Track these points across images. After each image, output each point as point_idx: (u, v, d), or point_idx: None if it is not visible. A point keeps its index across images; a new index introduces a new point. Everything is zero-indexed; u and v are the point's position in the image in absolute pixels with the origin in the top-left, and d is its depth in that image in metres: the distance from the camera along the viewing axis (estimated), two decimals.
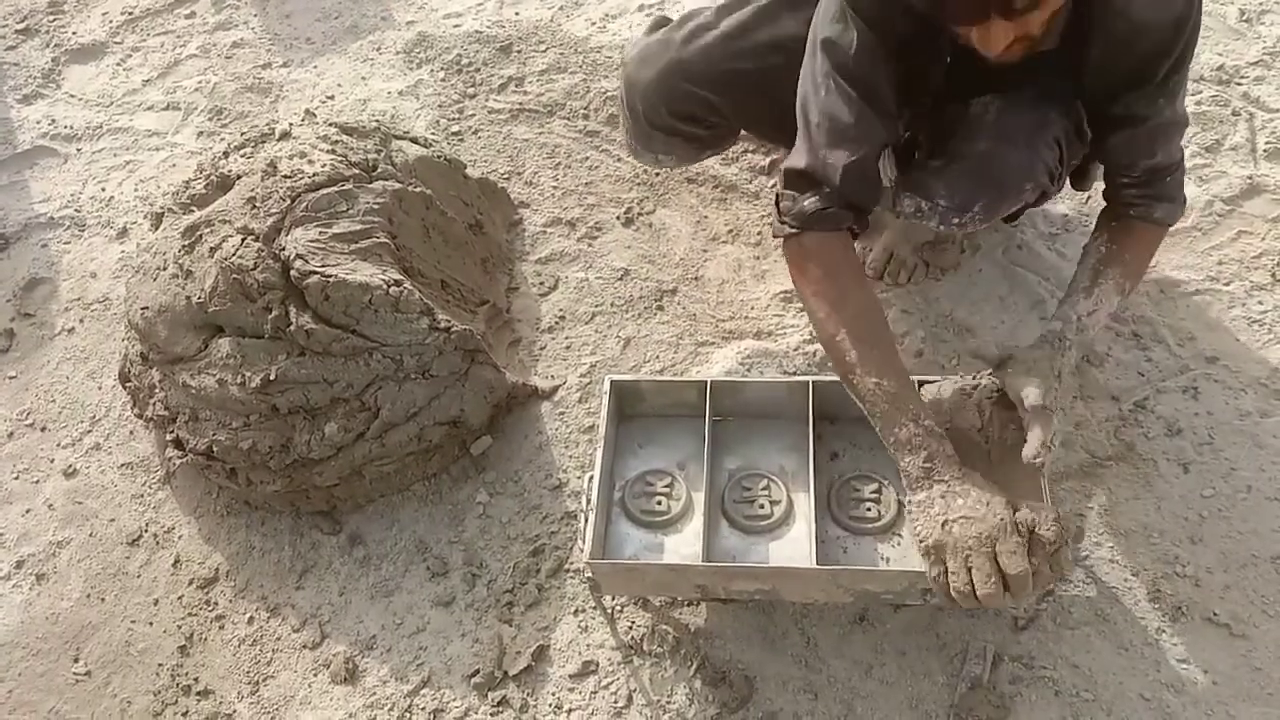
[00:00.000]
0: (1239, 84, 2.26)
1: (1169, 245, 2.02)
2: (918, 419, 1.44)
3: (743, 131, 2.00)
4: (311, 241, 1.79)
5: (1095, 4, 1.41)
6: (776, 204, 1.57)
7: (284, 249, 1.78)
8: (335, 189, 1.87)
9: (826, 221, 1.52)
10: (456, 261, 2.02)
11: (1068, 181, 1.72)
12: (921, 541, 1.39)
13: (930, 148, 1.63)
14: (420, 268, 1.92)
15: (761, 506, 1.61)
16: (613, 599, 1.68)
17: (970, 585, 1.34)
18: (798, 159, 1.53)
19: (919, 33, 1.45)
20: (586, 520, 1.55)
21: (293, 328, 1.75)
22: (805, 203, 1.52)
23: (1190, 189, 2.07)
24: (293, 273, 1.76)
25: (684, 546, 1.60)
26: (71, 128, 2.70)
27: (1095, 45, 1.44)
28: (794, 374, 1.89)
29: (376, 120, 2.30)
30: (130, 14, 2.99)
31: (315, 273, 1.76)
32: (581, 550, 1.54)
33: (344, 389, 1.77)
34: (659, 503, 1.63)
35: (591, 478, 1.58)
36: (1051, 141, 1.54)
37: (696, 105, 1.80)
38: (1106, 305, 1.56)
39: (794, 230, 1.54)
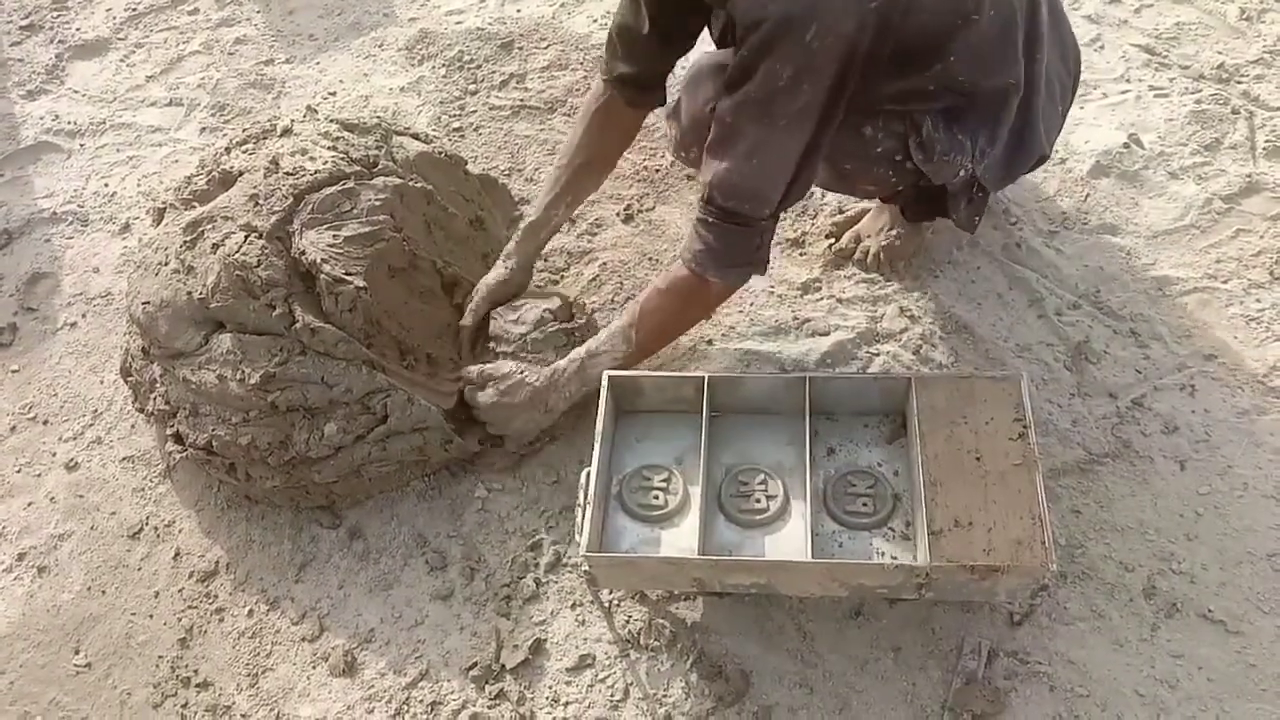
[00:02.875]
0: (1239, 82, 2.26)
1: (1167, 242, 2.02)
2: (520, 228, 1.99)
3: None
4: (329, 246, 1.80)
5: None
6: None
7: (304, 253, 1.79)
8: (337, 187, 1.88)
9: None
10: (459, 256, 2.03)
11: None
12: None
13: None
14: (423, 266, 1.93)
15: (758, 501, 1.62)
16: (610, 593, 1.69)
17: None
18: None
19: None
20: (584, 514, 1.55)
21: (297, 326, 1.76)
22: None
23: (1189, 187, 2.09)
24: (324, 277, 1.78)
25: (680, 541, 1.60)
26: (75, 123, 2.71)
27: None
28: (790, 370, 1.90)
29: (378, 116, 2.31)
30: (134, 10, 3.00)
31: (341, 280, 1.79)
32: (579, 544, 1.55)
33: (343, 393, 1.77)
34: (656, 497, 1.64)
35: (589, 472, 1.59)
36: (713, 95, 1.64)
37: None
38: (611, 351, 1.74)
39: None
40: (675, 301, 1.72)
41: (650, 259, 2.15)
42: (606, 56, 1.85)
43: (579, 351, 1.78)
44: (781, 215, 1.64)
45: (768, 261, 1.67)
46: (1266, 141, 2.15)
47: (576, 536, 1.62)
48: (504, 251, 1.98)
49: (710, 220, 1.60)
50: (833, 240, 2.10)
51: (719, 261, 1.63)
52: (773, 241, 1.68)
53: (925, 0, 1.46)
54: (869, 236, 2.03)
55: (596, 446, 1.62)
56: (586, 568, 1.54)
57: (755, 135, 1.51)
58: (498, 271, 1.96)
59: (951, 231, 2.02)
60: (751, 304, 2.04)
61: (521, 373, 1.81)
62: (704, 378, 1.68)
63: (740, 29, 1.47)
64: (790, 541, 1.59)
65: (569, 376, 1.78)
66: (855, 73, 1.44)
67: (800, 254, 2.11)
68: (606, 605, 1.68)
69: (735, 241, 1.61)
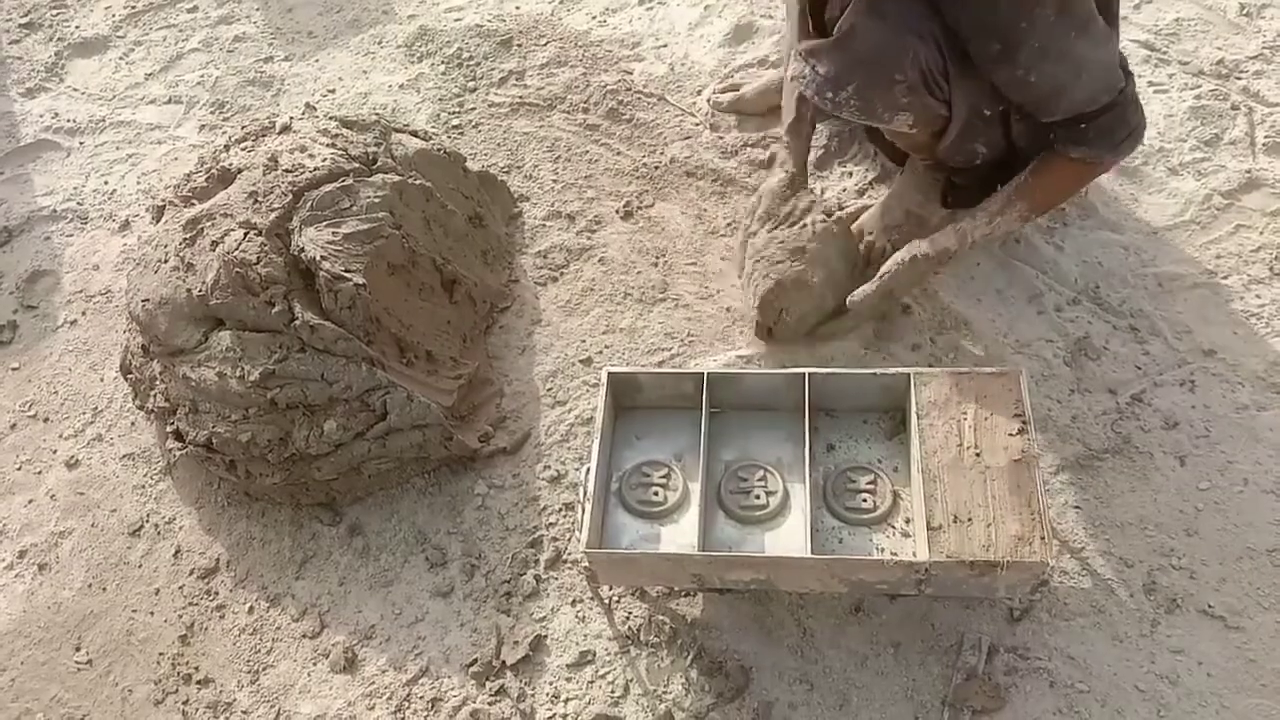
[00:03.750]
0: (1238, 78, 2.26)
1: (1167, 238, 2.02)
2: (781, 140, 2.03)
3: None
4: (328, 243, 1.80)
5: None
6: None
7: (303, 250, 1.79)
8: (336, 185, 1.88)
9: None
10: (458, 253, 2.03)
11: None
12: None
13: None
14: (423, 264, 1.93)
15: (757, 497, 1.62)
16: (610, 589, 1.69)
17: None
18: None
19: None
20: (584, 511, 1.55)
21: (297, 322, 1.76)
22: None
23: (1189, 183, 2.09)
24: (323, 274, 1.77)
25: (680, 537, 1.60)
26: (74, 121, 2.71)
27: None
28: (790, 366, 1.90)
29: (377, 114, 2.31)
30: (133, 8, 2.99)
31: (341, 277, 1.78)
32: (579, 541, 1.55)
33: (342, 390, 1.77)
34: (656, 493, 1.64)
35: (589, 469, 1.59)
36: (928, 36, 1.59)
37: None
38: (1002, 230, 1.83)
39: None
40: (1073, 183, 1.83)
41: (651, 256, 2.15)
42: None
43: (966, 232, 1.81)
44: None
45: (1142, 121, 1.74)
46: (1266, 137, 2.15)
47: (576, 533, 1.63)
48: (777, 159, 2.03)
49: (1085, 125, 1.67)
50: None
51: (1115, 145, 1.71)
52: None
53: None
54: (872, 233, 2.03)
55: (596, 443, 1.62)
56: (586, 564, 1.54)
57: (1073, 47, 1.58)
58: (778, 176, 1.99)
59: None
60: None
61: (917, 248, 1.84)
62: (703, 374, 1.68)
63: None
64: (790, 537, 1.59)
65: (958, 238, 1.81)
66: None
67: None
68: (606, 601, 1.68)
69: (1117, 120, 1.68)
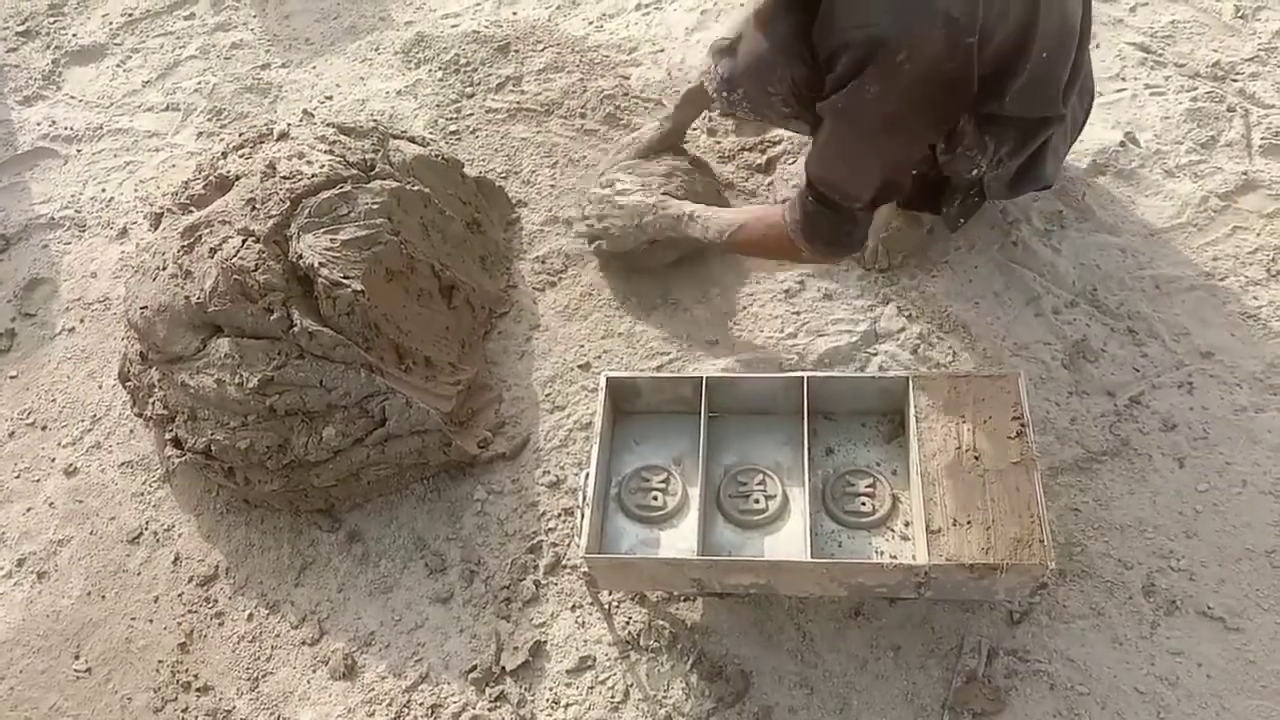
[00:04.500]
0: (1234, 80, 2.26)
1: (1164, 240, 2.03)
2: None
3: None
4: (326, 249, 1.80)
5: None
6: None
7: (301, 256, 1.79)
8: (335, 191, 1.88)
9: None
10: (456, 259, 2.03)
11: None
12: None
13: None
14: (420, 269, 1.93)
15: (757, 501, 1.62)
16: (610, 594, 1.69)
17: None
18: None
19: None
20: (583, 516, 1.55)
21: (295, 329, 1.76)
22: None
23: (1185, 185, 2.09)
24: (321, 280, 1.78)
25: (680, 541, 1.61)
26: (72, 129, 2.71)
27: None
28: (789, 370, 1.90)
29: (375, 120, 2.31)
30: (130, 15, 3.00)
31: (339, 284, 1.78)
32: (578, 546, 1.55)
33: (341, 396, 1.77)
34: (655, 498, 1.64)
35: (588, 474, 1.59)
36: (799, 56, 1.61)
37: None
38: (714, 232, 1.88)
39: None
40: (774, 244, 1.82)
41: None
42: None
43: (688, 205, 1.95)
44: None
45: (862, 245, 1.76)
46: (1262, 139, 2.15)
47: (576, 538, 1.63)
48: (664, 115, 2.17)
49: (808, 197, 1.68)
50: None
51: (810, 235, 1.71)
52: (869, 229, 1.74)
53: (997, 36, 1.51)
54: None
55: (595, 448, 1.62)
56: (586, 569, 1.54)
57: (846, 140, 1.60)
58: (652, 127, 2.17)
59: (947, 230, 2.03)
60: (750, 304, 2.04)
61: (637, 190, 2.02)
62: (702, 378, 1.68)
63: (832, 47, 1.52)
64: (789, 541, 1.59)
65: (669, 213, 1.95)
66: (940, 93, 1.50)
67: None
68: (606, 606, 1.68)
69: (826, 222, 1.69)
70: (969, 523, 1.47)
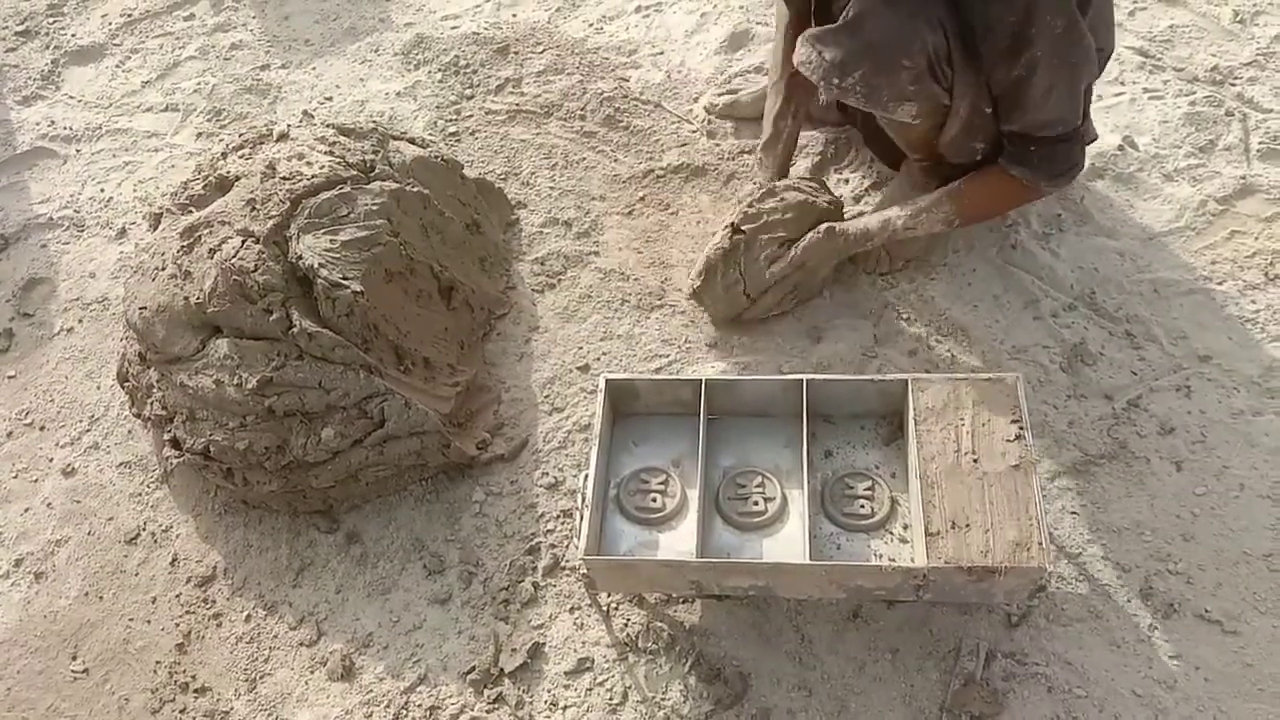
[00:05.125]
0: (1233, 84, 2.27)
1: (1163, 244, 2.03)
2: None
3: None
4: (326, 250, 1.80)
5: None
6: None
7: (301, 257, 1.79)
8: (334, 192, 1.88)
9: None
10: (455, 260, 2.03)
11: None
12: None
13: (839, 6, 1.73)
14: (420, 271, 1.93)
15: (756, 503, 1.62)
16: (608, 596, 1.69)
17: None
18: None
19: None
20: (582, 517, 1.55)
21: (295, 330, 1.76)
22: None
23: (1184, 189, 2.10)
24: (320, 281, 1.78)
25: (679, 543, 1.61)
26: (71, 129, 2.71)
27: None
28: (788, 373, 1.90)
29: (374, 121, 2.31)
30: (129, 16, 3.00)
31: (338, 285, 1.78)
32: (577, 548, 1.55)
33: (340, 397, 1.77)
34: (654, 500, 1.64)
35: (587, 475, 1.59)
36: (936, 23, 1.62)
37: None
38: (925, 228, 1.87)
39: None
40: (1002, 200, 1.90)
41: (648, 262, 2.15)
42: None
43: (891, 220, 1.89)
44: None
45: (1084, 162, 1.83)
46: (1260, 143, 2.15)
47: (574, 540, 1.63)
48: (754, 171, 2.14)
49: (1035, 146, 1.75)
50: None
51: (1053, 173, 1.79)
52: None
53: None
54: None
55: (594, 450, 1.62)
56: (585, 571, 1.54)
57: (1059, 75, 1.65)
58: (748, 190, 2.11)
59: (946, 235, 2.03)
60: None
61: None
62: (701, 380, 1.68)
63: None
64: (788, 544, 1.59)
65: (878, 240, 1.91)
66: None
67: None
68: (605, 608, 1.68)
69: (1064, 155, 1.78)
70: (967, 525, 1.47)
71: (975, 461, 1.53)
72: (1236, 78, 2.28)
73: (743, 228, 1.95)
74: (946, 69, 1.67)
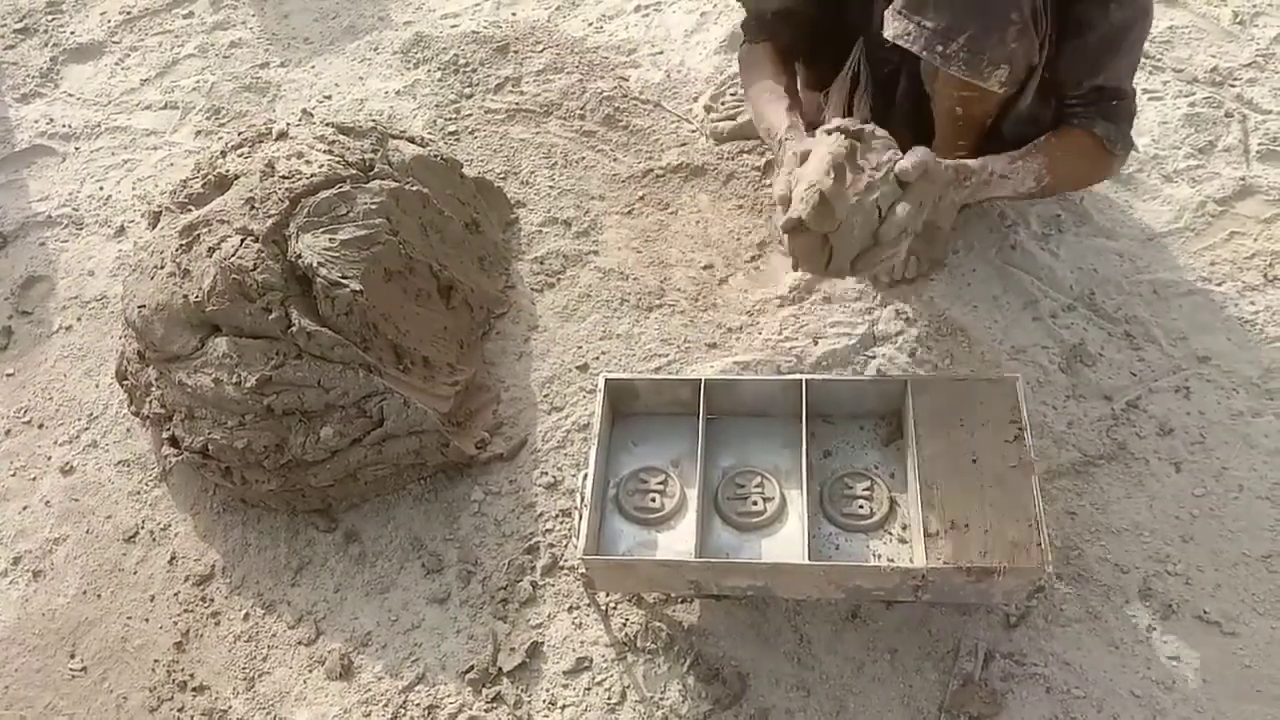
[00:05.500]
0: (1232, 85, 2.27)
1: (1162, 245, 2.03)
2: (780, 140, 1.75)
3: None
4: (325, 249, 1.80)
5: None
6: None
7: (300, 256, 1.79)
8: (333, 191, 1.87)
9: (750, 34, 1.97)
10: (455, 259, 2.03)
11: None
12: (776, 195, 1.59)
13: None
14: (419, 270, 1.93)
15: (755, 503, 1.62)
16: (606, 595, 1.69)
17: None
18: None
19: None
20: (580, 517, 1.55)
21: (294, 329, 1.76)
22: (740, 21, 1.97)
23: (1183, 190, 2.10)
24: (320, 280, 1.77)
25: (678, 543, 1.61)
26: (69, 126, 2.70)
27: None
28: (787, 373, 1.90)
29: (373, 120, 2.31)
30: (128, 13, 2.99)
31: (338, 284, 1.78)
32: (575, 547, 1.55)
33: (339, 396, 1.77)
34: (653, 500, 1.64)
35: (586, 475, 1.59)
36: None
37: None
38: (1017, 180, 1.70)
39: (745, 31, 1.98)
40: (1088, 169, 1.83)
41: (647, 262, 2.15)
42: (758, 30, 1.96)
43: (988, 164, 1.67)
44: None
45: None
46: (1260, 144, 2.16)
47: (573, 539, 1.62)
48: (781, 141, 1.75)
49: (1119, 102, 1.72)
50: None
51: (1127, 133, 1.76)
52: None
53: None
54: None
55: (593, 449, 1.62)
56: (583, 571, 1.54)
57: (1142, 34, 1.67)
58: (835, 140, 1.63)
59: (948, 238, 2.03)
60: (749, 306, 2.04)
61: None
62: (700, 380, 1.68)
63: None
64: (787, 544, 1.59)
65: (974, 182, 1.65)
66: None
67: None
68: (603, 608, 1.68)
69: (1130, 114, 1.76)
70: (966, 526, 1.47)
71: (974, 462, 1.53)
72: (1236, 79, 2.28)
73: (857, 130, 1.59)
74: (1044, 18, 1.60)
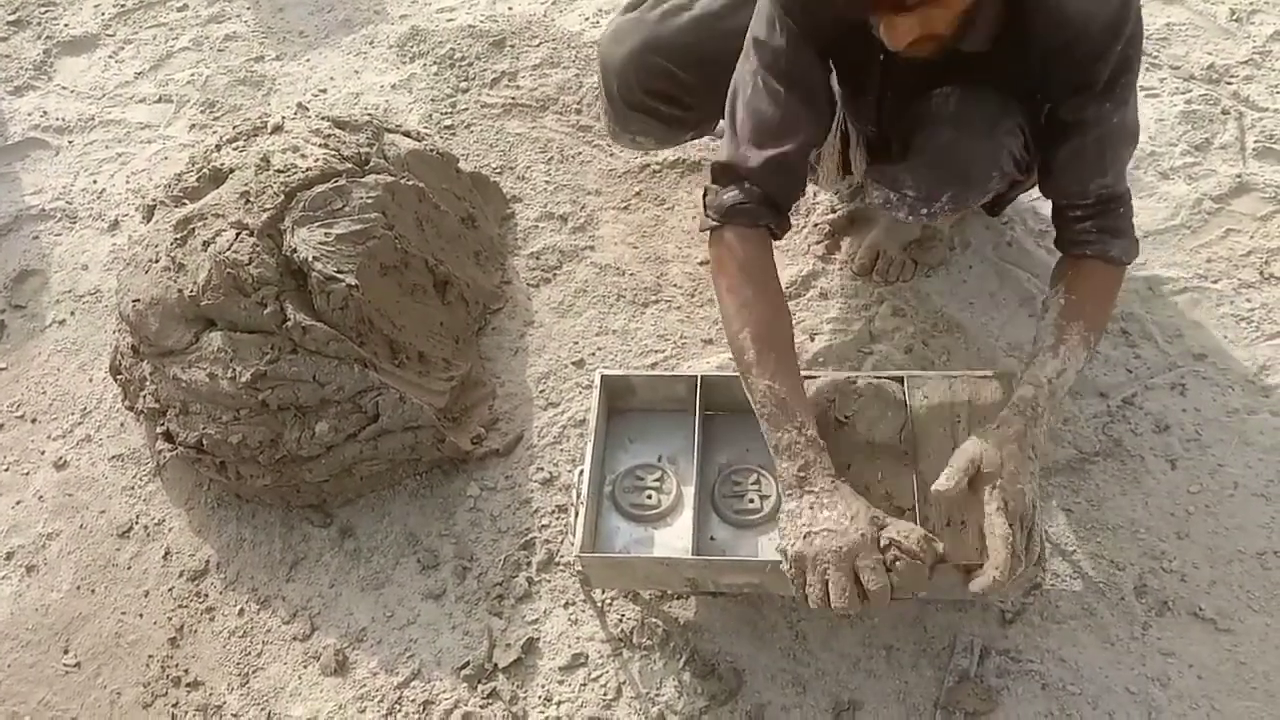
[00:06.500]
0: (1229, 83, 2.27)
1: (1158, 242, 2.03)
2: (801, 427, 1.44)
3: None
4: (320, 244, 1.80)
5: (1029, 9, 1.41)
6: (704, 197, 1.59)
7: (295, 250, 1.78)
8: (329, 185, 1.87)
9: (744, 216, 1.55)
10: (450, 254, 2.03)
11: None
12: (784, 551, 1.39)
13: (900, 141, 1.64)
14: (415, 265, 1.93)
15: (751, 500, 1.62)
16: (602, 591, 1.69)
17: (826, 598, 1.34)
18: (721, 153, 1.58)
19: (851, 31, 1.45)
20: (576, 514, 1.55)
21: (289, 324, 1.75)
22: (725, 196, 1.55)
23: (1179, 187, 2.10)
24: (315, 275, 1.77)
25: (674, 540, 1.60)
26: (63, 120, 2.69)
27: (1033, 49, 1.44)
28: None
29: (369, 114, 2.30)
30: (122, 6, 2.98)
31: (333, 278, 1.77)
32: (571, 544, 1.54)
33: (334, 391, 1.76)
34: (649, 496, 1.64)
35: (582, 472, 1.59)
36: (1014, 128, 1.53)
37: (669, 83, 1.80)
38: (1074, 363, 1.49)
39: (715, 224, 1.56)
40: (1112, 293, 1.59)
41: (643, 257, 2.15)
42: (748, 192, 1.54)
43: (1039, 376, 1.46)
44: None
45: None
46: (1256, 142, 2.16)
47: (569, 536, 1.62)
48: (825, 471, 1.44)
49: (1125, 209, 1.56)
50: (828, 240, 2.09)
51: (1136, 243, 1.58)
52: None
53: None
54: (889, 247, 2.01)
55: (589, 445, 1.61)
56: (579, 567, 1.54)
57: (1130, 124, 1.52)
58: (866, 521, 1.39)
59: (945, 235, 2.03)
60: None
61: (988, 449, 1.42)
62: (697, 377, 1.68)
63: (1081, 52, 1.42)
64: None
65: (1043, 403, 1.44)
66: None
67: (790, 253, 2.11)
68: (599, 605, 1.68)
69: (1131, 218, 1.58)
70: (963, 523, 1.47)
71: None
72: (1233, 76, 2.28)
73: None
74: (1025, 154, 1.57)
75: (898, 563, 1.34)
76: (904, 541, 1.34)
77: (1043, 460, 1.62)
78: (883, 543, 1.35)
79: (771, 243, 1.59)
